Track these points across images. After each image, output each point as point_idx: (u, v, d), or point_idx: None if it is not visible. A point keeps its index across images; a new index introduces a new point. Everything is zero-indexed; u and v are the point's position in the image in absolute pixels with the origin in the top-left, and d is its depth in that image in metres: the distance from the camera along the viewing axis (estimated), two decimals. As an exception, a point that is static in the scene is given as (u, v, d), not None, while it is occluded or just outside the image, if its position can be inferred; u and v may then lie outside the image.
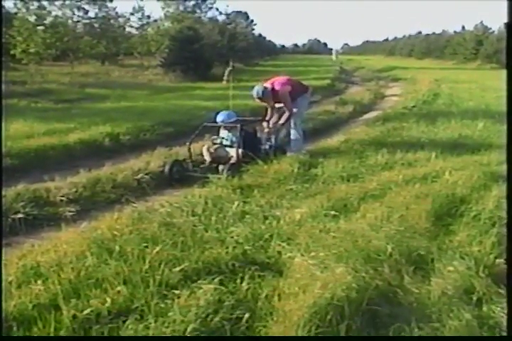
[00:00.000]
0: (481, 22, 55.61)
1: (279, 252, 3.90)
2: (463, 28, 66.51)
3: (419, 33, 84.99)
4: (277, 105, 8.00)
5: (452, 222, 4.59)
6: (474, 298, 3.26)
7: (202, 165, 7.24)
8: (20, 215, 5.30)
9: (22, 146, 8.07)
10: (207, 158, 7.32)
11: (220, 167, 6.98)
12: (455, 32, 66.68)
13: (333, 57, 48.58)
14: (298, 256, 3.69)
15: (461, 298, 3.22)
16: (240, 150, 7.14)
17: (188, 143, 7.43)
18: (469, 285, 3.36)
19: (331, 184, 5.97)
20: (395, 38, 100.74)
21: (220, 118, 7.50)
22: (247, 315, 2.99)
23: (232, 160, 7.05)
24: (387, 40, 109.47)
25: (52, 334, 2.85)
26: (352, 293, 3.08)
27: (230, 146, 7.38)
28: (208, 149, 7.39)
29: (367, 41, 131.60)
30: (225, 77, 8.94)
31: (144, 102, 15.00)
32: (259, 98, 7.63)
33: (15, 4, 22.87)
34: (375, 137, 9.21)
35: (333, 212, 4.72)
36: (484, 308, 3.19)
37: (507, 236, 2.93)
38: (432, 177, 6.03)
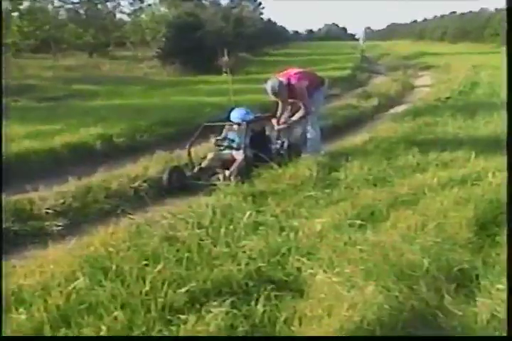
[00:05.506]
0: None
1: (299, 269, 3.88)
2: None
3: (453, 12, 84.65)
4: (291, 100, 7.97)
5: (498, 231, 4.51)
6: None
7: (196, 169, 7.25)
8: (-1, 231, 5.32)
9: (1, 152, 8.10)
10: (206, 162, 7.33)
11: (227, 172, 6.97)
12: (496, 9, 65.83)
13: (361, 42, 47.92)
14: (320, 272, 3.67)
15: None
16: (248, 152, 7.14)
17: (187, 146, 7.45)
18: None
19: (355, 189, 5.93)
20: (425, 19, 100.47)
21: (235, 115, 7.51)
22: (264, 343, 2.98)
23: (240, 164, 7.05)
24: (415, 22, 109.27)
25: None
26: (384, 316, 3.06)
27: (237, 149, 7.36)
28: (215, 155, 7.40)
29: (392, 24, 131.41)
30: (224, 69, 8.88)
31: (140, 99, 15.07)
32: (274, 94, 7.57)
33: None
34: (404, 134, 9.14)
35: (359, 222, 4.67)
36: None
37: (507, 235, 2.94)
38: (473, 180, 5.96)
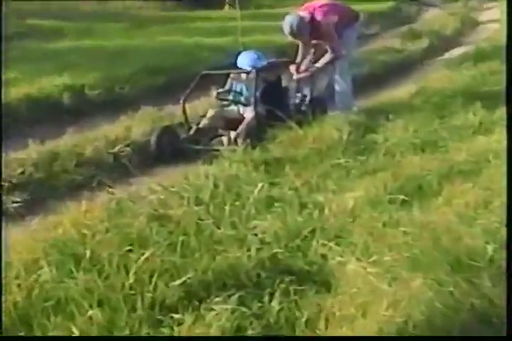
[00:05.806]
0: None
1: (325, 256, 3.89)
2: None
3: None
4: (314, 42, 7.89)
5: None
6: None
7: (193, 129, 7.26)
8: None
9: None
10: (206, 121, 7.33)
11: (232, 134, 6.96)
12: None
13: None
14: (352, 261, 3.68)
15: None
16: (260, 108, 7.12)
17: (181, 101, 7.45)
18: None
19: (397, 156, 5.93)
20: None
21: (244, 61, 7.49)
22: (280, 349, 3.01)
23: (249, 124, 7.05)
24: None
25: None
26: (435, 316, 3.06)
27: (245, 104, 7.35)
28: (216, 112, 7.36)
29: None
30: (228, 1, 8.76)
31: (120, 40, 14.98)
32: (292, 33, 7.48)
33: None
34: (462, 85, 9.13)
35: (402, 197, 4.69)
36: None
37: (507, 234, 2.94)
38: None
